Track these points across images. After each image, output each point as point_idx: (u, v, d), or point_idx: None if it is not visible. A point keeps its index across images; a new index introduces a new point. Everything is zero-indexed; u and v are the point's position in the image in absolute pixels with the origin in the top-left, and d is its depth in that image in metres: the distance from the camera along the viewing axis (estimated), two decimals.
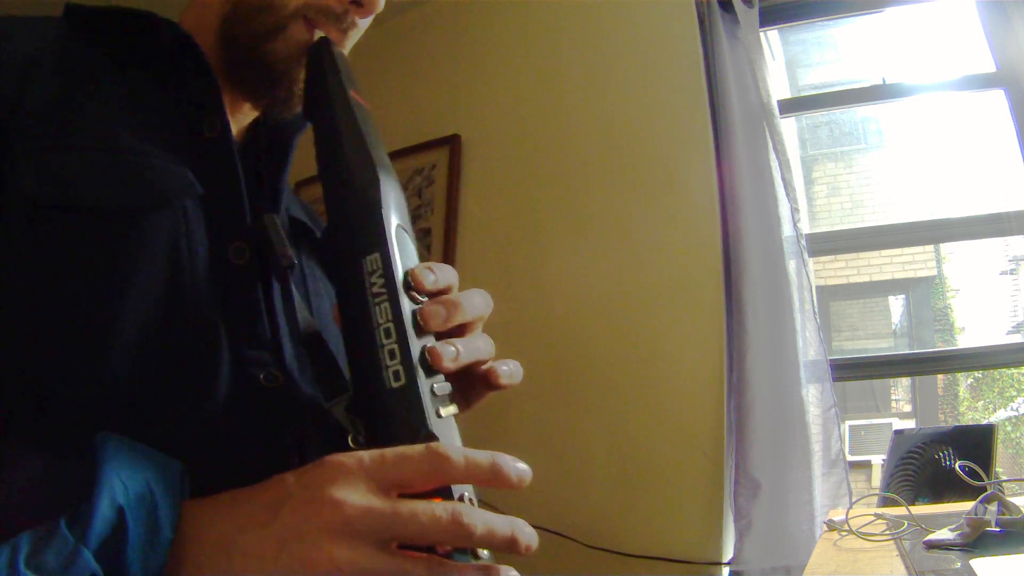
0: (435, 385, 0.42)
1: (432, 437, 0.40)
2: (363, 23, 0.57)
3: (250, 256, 0.50)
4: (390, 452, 0.37)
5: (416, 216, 2.03)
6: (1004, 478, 1.10)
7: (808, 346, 1.48)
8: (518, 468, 0.38)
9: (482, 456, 0.37)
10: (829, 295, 3.57)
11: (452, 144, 1.99)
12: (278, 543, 0.34)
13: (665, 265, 1.61)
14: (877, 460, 2.98)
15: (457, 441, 0.42)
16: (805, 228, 1.58)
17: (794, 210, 1.52)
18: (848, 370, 1.67)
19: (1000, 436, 1.23)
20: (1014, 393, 3.55)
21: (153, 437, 0.40)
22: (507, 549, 0.37)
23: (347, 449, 0.41)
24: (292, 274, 0.51)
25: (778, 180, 1.54)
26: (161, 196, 0.48)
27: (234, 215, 0.51)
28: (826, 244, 1.88)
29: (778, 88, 1.77)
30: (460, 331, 0.46)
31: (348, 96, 0.50)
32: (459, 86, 2.04)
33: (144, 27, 0.54)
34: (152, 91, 0.53)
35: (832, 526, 1.01)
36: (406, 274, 0.43)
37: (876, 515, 1.02)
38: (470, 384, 0.49)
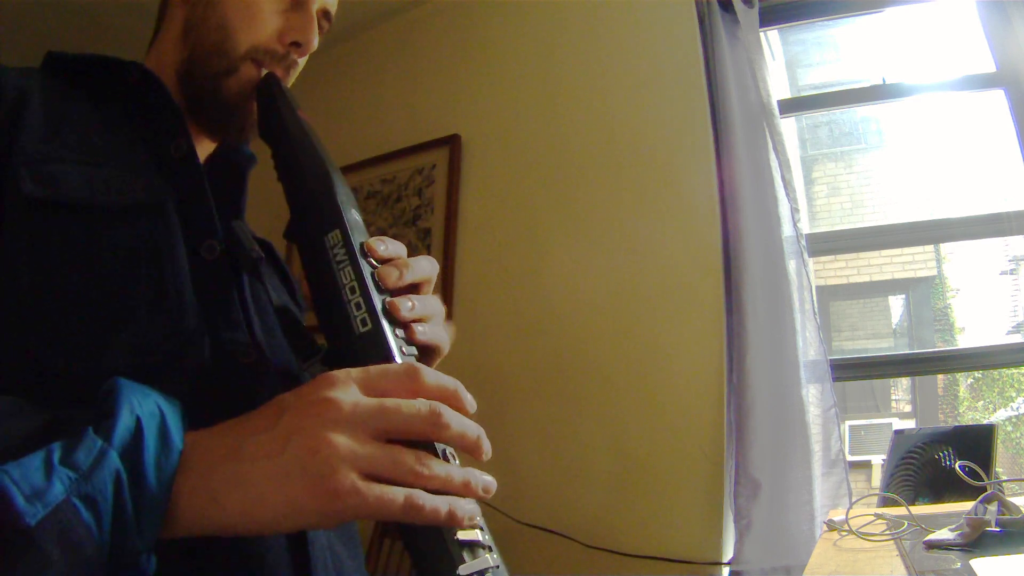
0: (397, 331, 0.48)
1: None
2: (301, 61, 0.67)
3: (220, 252, 0.57)
4: (373, 367, 0.42)
5: (416, 216, 2.03)
6: (1004, 478, 1.10)
7: (808, 346, 1.48)
8: (471, 401, 0.44)
9: (449, 380, 0.43)
10: (829, 295, 3.57)
11: (452, 144, 1.99)
12: (283, 440, 0.38)
13: (665, 265, 1.61)
14: (877, 460, 2.98)
15: None
16: (805, 228, 1.58)
17: (794, 210, 1.52)
18: (848, 370, 1.67)
19: (1000, 436, 1.23)
20: (1014, 393, 3.55)
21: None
22: (472, 451, 0.42)
23: None
24: (260, 265, 0.57)
25: (778, 180, 1.54)
26: (141, 197, 0.55)
27: (204, 218, 0.57)
28: (826, 244, 1.87)
29: (778, 88, 1.77)
30: (413, 291, 0.53)
31: (297, 115, 0.58)
32: (459, 86, 2.04)
33: (114, 69, 0.62)
34: (124, 122, 0.60)
35: (832, 526, 1.01)
36: (361, 244, 0.51)
37: (876, 515, 1.02)
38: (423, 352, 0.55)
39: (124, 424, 0.37)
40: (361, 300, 0.47)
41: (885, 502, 1.20)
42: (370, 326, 0.47)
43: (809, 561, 0.87)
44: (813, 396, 1.49)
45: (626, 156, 1.72)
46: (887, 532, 0.91)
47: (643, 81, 1.74)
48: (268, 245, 0.74)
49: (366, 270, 0.49)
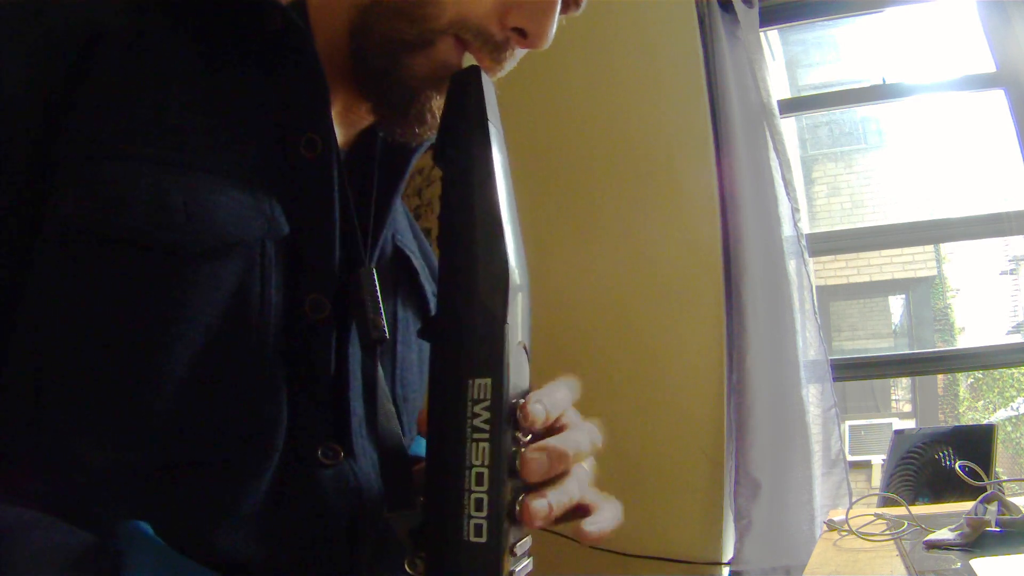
0: (517, 544, 0.37)
1: None
2: (520, 53, 0.49)
3: (331, 312, 0.43)
4: None
5: (416, 216, 2.03)
6: (1004, 478, 1.10)
7: (808, 346, 1.48)
8: None
9: None
10: (829, 295, 3.57)
11: None
12: None
13: (665, 265, 1.61)
14: (877, 460, 2.99)
15: None
16: (805, 228, 1.58)
17: (794, 210, 1.52)
18: (848, 370, 1.67)
19: (1000, 436, 1.23)
20: (1014, 393, 3.55)
21: (188, 500, 0.38)
22: None
23: (399, 565, 0.38)
24: (379, 350, 0.44)
25: (778, 180, 1.54)
26: (230, 237, 0.40)
27: (320, 261, 0.43)
28: (826, 244, 1.88)
29: (778, 88, 1.77)
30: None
31: (491, 157, 0.41)
32: None
33: (245, 7, 0.44)
34: (243, 89, 0.44)
35: (832, 526, 1.01)
36: (514, 405, 0.38)
37: (876, 515, 1.01)
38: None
39: None
40: (485, 499, 0.35)
41: (885, 502, 1.20)
42: (484, 539, 0.35)
43: (809, 561, 0.87)
44: (813, 396, 1.49)
45: (626, 156, 1.72)
46: (887, 532, 0.91)
47: (643, 81, 1.74)
48: (414, 273, 0.55)
49: (507, 451, 0.36)
